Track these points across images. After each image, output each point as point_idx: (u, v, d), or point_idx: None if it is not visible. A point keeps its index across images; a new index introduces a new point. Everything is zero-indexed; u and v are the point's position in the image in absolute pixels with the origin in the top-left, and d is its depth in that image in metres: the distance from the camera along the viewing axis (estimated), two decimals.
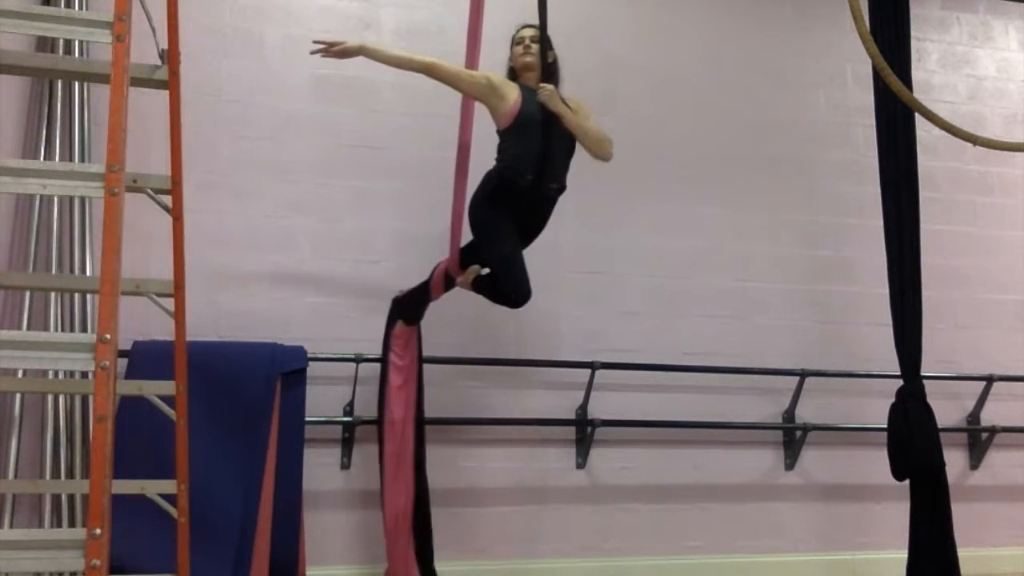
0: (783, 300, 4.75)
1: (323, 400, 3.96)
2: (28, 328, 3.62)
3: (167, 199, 2.49)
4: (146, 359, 3.62)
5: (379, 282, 4.17)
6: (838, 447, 4.66)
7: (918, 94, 3.94)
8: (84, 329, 3.69)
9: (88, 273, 3.74)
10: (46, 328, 3.66)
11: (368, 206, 4.26)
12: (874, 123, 4.05)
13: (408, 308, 3.89)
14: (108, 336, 1.80)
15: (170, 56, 2.47)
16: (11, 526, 3.48)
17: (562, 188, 3.61)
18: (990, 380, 4.81)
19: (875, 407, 4.18)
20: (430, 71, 3.52)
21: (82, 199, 3.82)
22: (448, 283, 3.78)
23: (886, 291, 3.95)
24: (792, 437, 4.62)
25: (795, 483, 4.62)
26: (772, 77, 4.95)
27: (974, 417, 4.87)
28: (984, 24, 5.40)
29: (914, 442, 3.78)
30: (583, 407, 4.32)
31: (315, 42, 3.49)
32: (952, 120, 3.38)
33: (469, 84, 3.53)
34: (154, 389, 2.59)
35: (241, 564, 3.38)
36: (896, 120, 3.93)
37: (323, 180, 4.23)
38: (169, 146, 2.58)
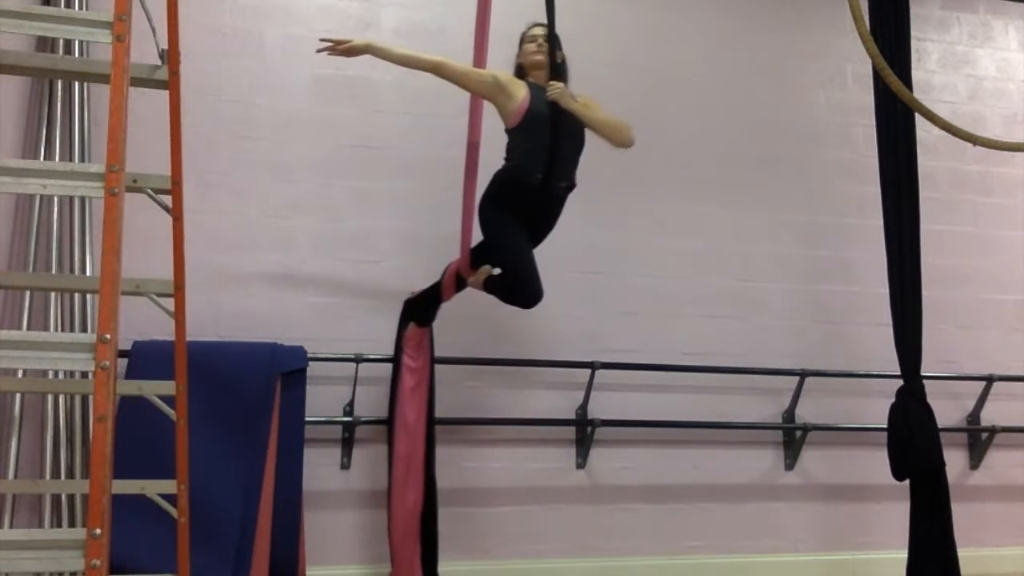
0: (783, 300, 4.75)
1: (323, 400, 3.96)
2: (28, 328, 3.61)
3: (167, 199, 2.49)
4: (146, 359, 3.62)
5: (379, 282, 4.17)
6: (838, 447, 4.66)
7: (918, 94, 3.95)
8: (84, 329, 3.69)
9: (88, 273, 3.73)
10: (46, 328, 3.66)
11: (368, 206, 4.25)
12: (874, 123, 4.05)
13: (420, 310, 3.89)
14: (108, 336, 1.80)
15: (170, 56, 2.47)
16: (11, 526, 3.48)
17: (571, 186, 3.60)
18: (990, 380, 4.81)
19: (875, 407, 4.19)
20: (437, 70, 3.50)
21: (82, 199, 3.82)
22: (459, 284, 3.77)
23: (886, 291, 3.95)
24: (792, 437, 4.62)
25: (795, 483, 4.62)
26: (772, 77, 4.95)
27: (974, 417, 4.86)
28: (984, 24, 5.40)
29: (914, 442, 3.78)
30: (583, 407, 4.31)
31: (322, 40, 3.49)
32: (952, 120, 3.39)
33: (476, 83, 3.51)
34: (154, 389, 2.59)
35: (241, 564, 3.38)
36: (896, 120, 3.93)
37: (323, 180, 4.23)
38: (169, 146, 2.57)
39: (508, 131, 3.60)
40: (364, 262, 4.22)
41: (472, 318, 4.11)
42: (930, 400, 3.88)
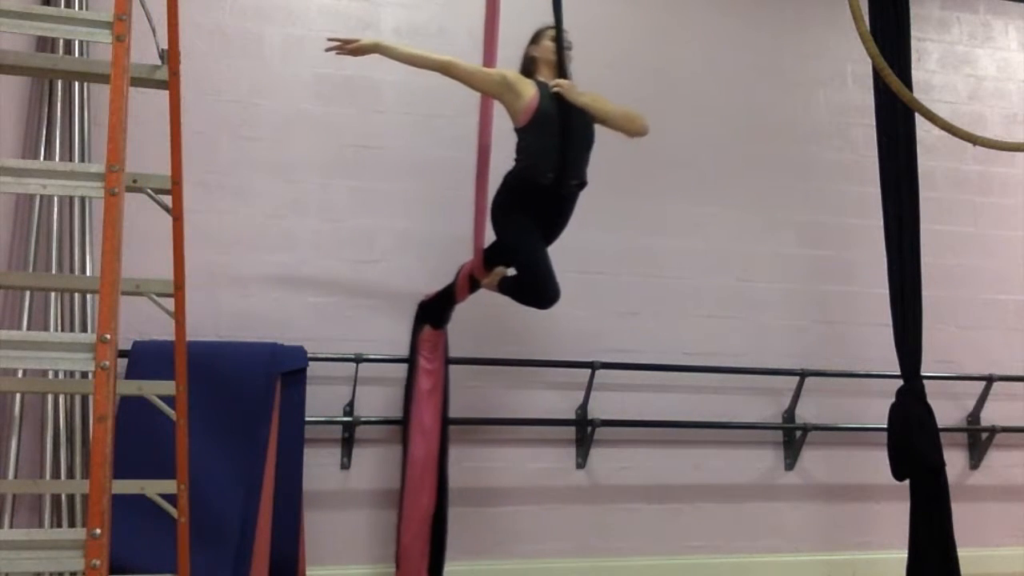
0: (783, 300, 4.75)
1: (323, 400, 3.96)
2: (28, 328, 3.62)
3: (167, 199, 2.49)
4: (146, 359, 3.62)
5: (379, 282, 4.17)
6: (838, 447, 4.66)
7: (918, 94, 3.94)
8: (84, 329, 3.69)
9: (88, 273, 3.74)
10: (46, 328, 3.67)
11: (368, 206, 4.25)
12: (874, 123, 4.05)
13: (435, 312, 3.88)
14: (108, 336, 1.80)
15: (170, 56, 2.47)
16: (11, 526, 3.48)
17: (583, 184, 3.58)
18: (990, 380, 4.81)
19: (875, 407, 4.19)
20: (446, 69, 3.48)
21: (82, 199, 3.82)
22: (473, 285, 3.75)
23: (886, 291, 3.95)
24: (792, 437, 4.62)
25: (795, 483, 4.62)
26: (772, 77, 4.95)
27: (974, 417, 4.87)
28: (984, 24, 5.40)
29: (914, 442, 3.78)
30: (583, 407, 4.32)
31: (329, 39, 3.47)
32: (952, 120, 3.38)
33: (485, 81, 3.49)
34: (154, 389, 2.59)
35: (241, 564, 3.38)
36: (896, 120, 3.93)
37: (323, 180, 4.23)
38: (169, 146, 2.57)
39: (517, 130, 3.58)
40: (364, 262, 4.22)
41: (472, 319, 4.11)
42: (930, 400, 3.88)
